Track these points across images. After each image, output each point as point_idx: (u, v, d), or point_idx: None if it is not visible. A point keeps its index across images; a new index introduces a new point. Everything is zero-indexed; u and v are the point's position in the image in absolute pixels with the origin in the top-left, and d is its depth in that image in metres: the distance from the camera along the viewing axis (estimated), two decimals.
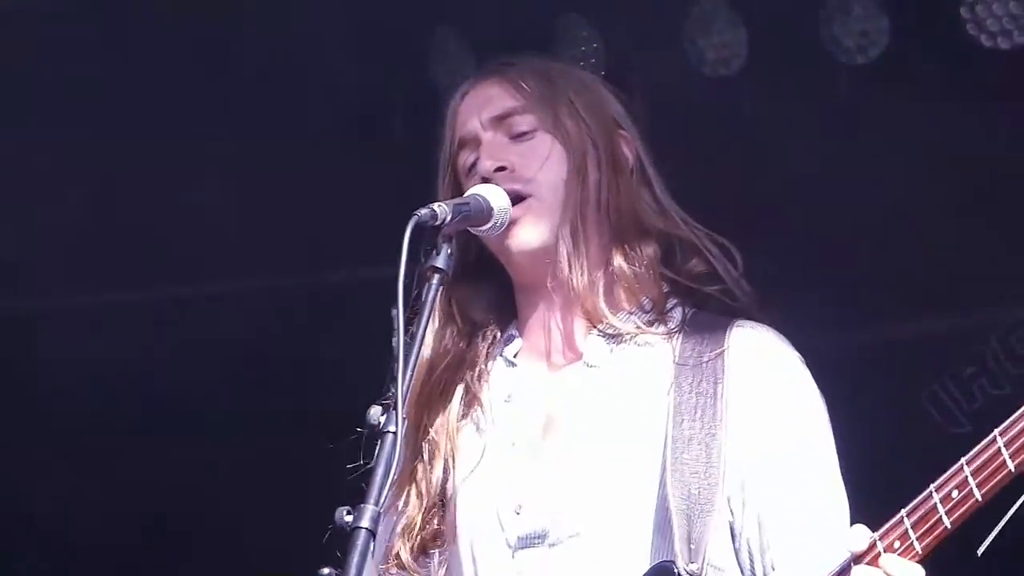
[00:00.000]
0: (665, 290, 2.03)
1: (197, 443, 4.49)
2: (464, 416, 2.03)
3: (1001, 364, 3.92)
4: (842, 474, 1.98)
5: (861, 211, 3.80)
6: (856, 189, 3.78)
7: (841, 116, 3.86)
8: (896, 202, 3.77)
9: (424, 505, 2.00)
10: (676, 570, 1.86)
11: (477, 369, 2.05)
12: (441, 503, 2.01)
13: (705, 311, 2.05)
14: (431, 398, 2.02)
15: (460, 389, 2.03)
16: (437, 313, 2.00)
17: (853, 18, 3.78)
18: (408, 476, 2.00)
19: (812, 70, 3.82)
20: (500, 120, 2.05)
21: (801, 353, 2.05)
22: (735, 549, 1.94)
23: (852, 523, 1.82)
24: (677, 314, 2.04)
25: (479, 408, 2.03)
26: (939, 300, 3.88)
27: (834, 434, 2.00)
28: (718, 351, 1.97)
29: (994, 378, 3.94)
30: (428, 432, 2.00)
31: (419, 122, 3.37)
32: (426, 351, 1.98)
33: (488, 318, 2.08)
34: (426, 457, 2.00)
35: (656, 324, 2.01)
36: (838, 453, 1.99)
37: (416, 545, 1.99)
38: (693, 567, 1.86)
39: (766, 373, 1.98)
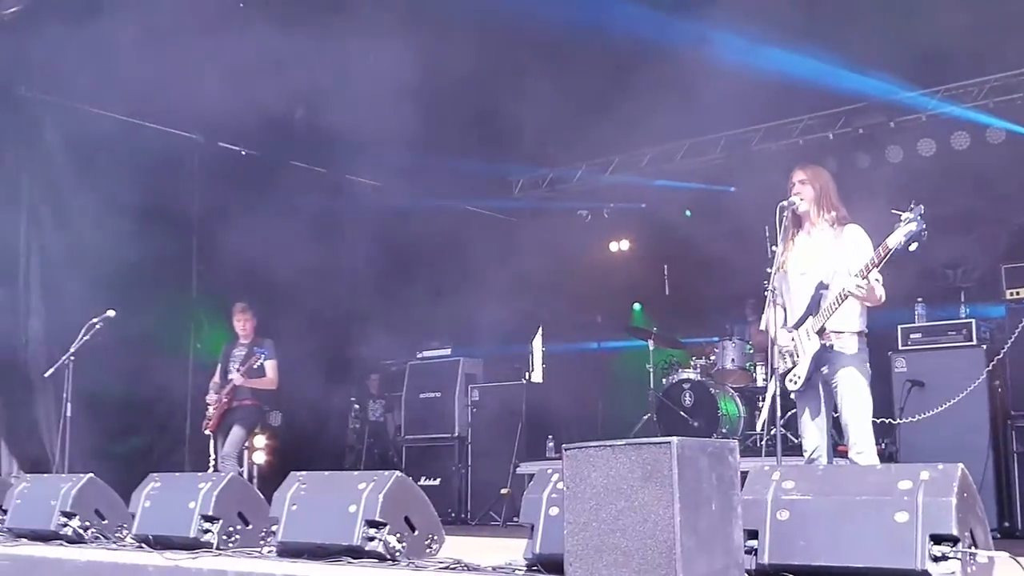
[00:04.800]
0: (837, 218, 7.29)
1: None
2: (792, 249, 7.43)
3: None
4: None
5: None
6: None
7: None
8: None
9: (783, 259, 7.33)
10: (823, 281, 7.08)
11: (798, 236, 7.43)
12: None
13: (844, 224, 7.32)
14: (785, 242, 7.20)
15: (798, 241, 7.47)
16: (789, 232, 7.41)
17: None
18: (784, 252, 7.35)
19: None
20: (800, 181, 7.38)
21: None
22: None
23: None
24: (839, 224, 7.22)
25: (794, 246, 7.43)
26: None
27: None
28: (842, 229, 7.21)
29: None
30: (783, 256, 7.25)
31: None
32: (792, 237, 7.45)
33: (797, 228, 7.48)
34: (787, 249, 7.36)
35: (833, 226, 7.22)
36: None
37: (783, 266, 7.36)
38: (827, 282, 7.06)
39: (853, 232, 7.21)
